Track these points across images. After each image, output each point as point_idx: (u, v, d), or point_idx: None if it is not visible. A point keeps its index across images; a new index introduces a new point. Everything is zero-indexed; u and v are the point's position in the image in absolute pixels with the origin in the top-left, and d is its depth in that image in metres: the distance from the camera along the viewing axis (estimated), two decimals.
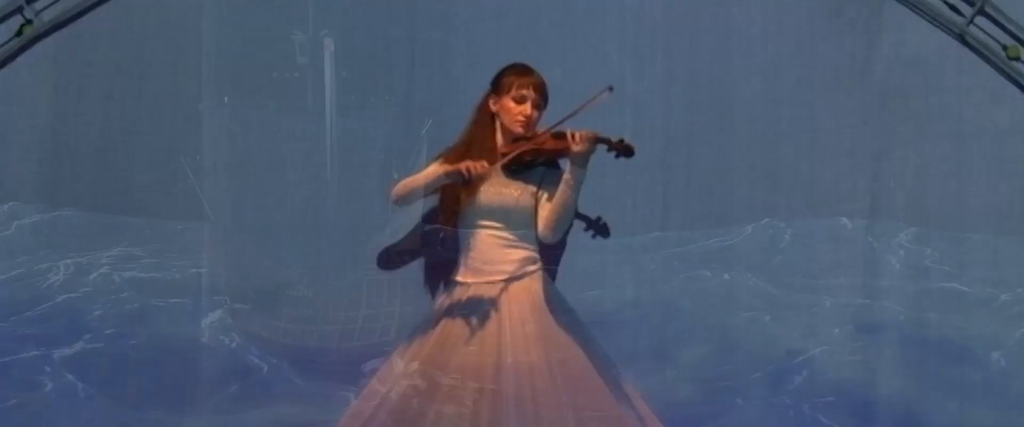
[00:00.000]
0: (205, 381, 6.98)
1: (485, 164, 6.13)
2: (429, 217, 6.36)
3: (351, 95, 6.92)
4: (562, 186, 6.10)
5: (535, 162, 6.20)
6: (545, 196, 6.17)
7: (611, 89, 6.20)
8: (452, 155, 6.26)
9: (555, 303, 6.24)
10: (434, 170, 6.20)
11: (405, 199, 6.28)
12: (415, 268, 6.42)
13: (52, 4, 7.06)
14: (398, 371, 6.27)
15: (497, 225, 6.20)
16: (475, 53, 7.08)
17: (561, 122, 6.15)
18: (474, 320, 6.18)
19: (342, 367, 6.80)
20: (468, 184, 6.14)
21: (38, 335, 7.09)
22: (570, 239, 6.25)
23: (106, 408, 7.00)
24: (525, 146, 6.17)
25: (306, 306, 6.86)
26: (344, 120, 6.92)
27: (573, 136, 6.05)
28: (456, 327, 6.21)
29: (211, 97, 6.94)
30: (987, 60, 7.15)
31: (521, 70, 6.28)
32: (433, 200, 6.36)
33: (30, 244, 7.19)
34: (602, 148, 6.08)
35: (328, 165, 6.87)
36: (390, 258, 6.48)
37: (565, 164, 6.18)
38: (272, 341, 6.93)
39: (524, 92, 6.25)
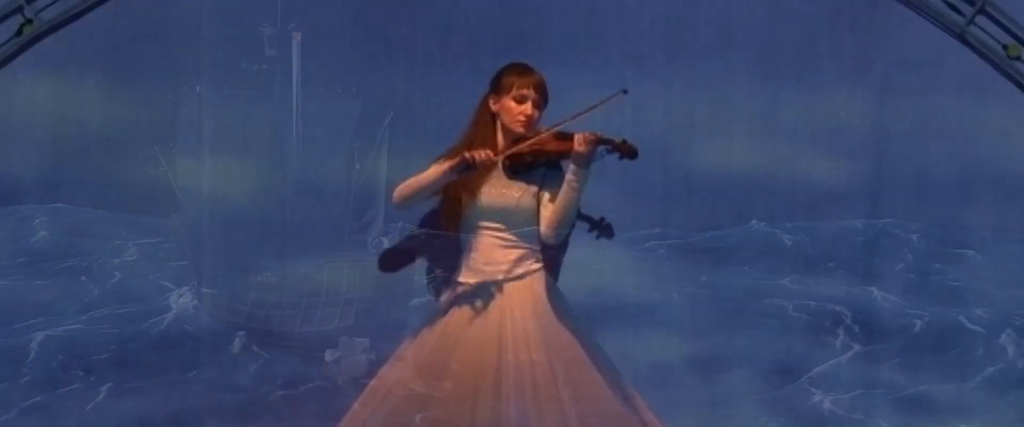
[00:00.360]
0: (176, 364, 7.08)
1: (489, 152, 6.13)
2: (430, 218, 6.36)
3: (317, 86, 7.00)
4: (565, 187, 6.10)
5: (537, 163, 6.21)
6: (547, 197, 6.18)
7: (626, 91, 6.21)
8: (452, 156, 6.26)
9: (556, 303, 6.25)
10: (436, 169, 6.20)
11: (408, 201, 6.28)
12: (374, 256, 6.54)
13: (52, 4, 7.06)
14: (399, 371, 6.28)
15: (498, 226, 6.20)
16: (470, 51, 7.10)
17: (570, 119, 6.14)
18: (475, 320, 6.19)
19: (306, 352, 6.93)
20: (473, 170, 6.13)
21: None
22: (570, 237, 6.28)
23: (77, 393, 7.08)
24: (525, 143, 6.17)
25: (270, 291, 6.95)
26: (310, 111, 7.00)
27: (576, 137, 6.06)
28: (457, 327, 6.22)
29: (184, 87, 7.04)
30: (987, 59, 7.15)
31: (521, 69, 6.29)
32: (433, 201, 6.37)
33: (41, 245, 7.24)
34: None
35: (292, 154, 6.95)
36: (392, 259, 6.50)
37: (566, 164, 6.18)
38: (236, 324, 7.01)
39: (524, 92, 6.25)
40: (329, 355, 6.75)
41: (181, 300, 7.09)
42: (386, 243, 6.69)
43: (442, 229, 6.29)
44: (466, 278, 6.24)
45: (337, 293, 6.81)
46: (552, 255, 6.26)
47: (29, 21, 7.04)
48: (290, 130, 6.98)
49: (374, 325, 6.74)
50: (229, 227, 7.03)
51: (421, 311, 6.50)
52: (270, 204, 6.98)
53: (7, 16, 7.04)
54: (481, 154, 6.11)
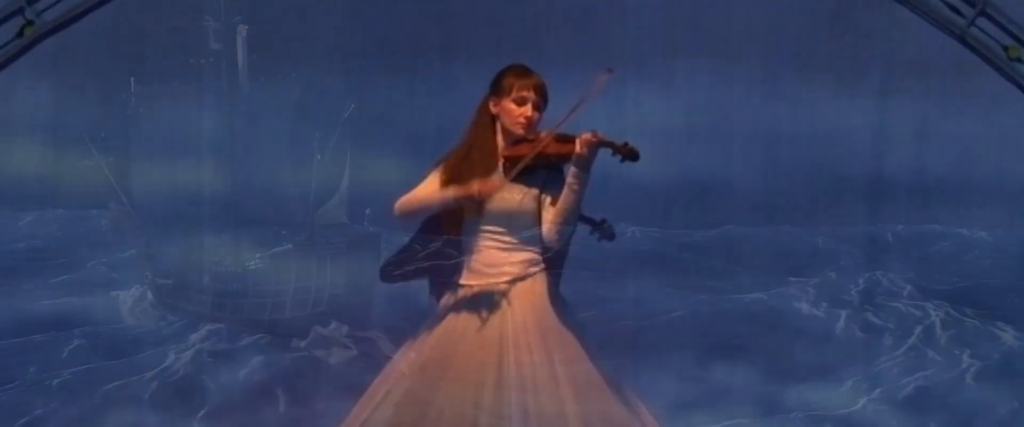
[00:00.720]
0: (132, 357, 7.14)
1: (495, 183, 6.13)
2: (431, 223, 6.35)
3: (262, 77, 7.06)
4: (566, 190, 6.09)
5: (538, 166, 6.20)
6: (549, 200, 6.17)
7: (611, 71, 6.18)
8: (453, 158, 6.25)
9: (557, 305, 6.24)
10: (441, 194, 6.18)
11: (409, 217, 6.27)
12: (342, 241, 6.59)
13: (53, 5, 7.07)
14: (401, 372, 6.28)
15: (500, 229, 6.19)
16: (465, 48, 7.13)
17: (567, 116, 6.13)
18: (476, 321, 6.18)
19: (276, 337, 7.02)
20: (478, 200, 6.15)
21: None
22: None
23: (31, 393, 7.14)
24: (528, 150, 6.16)
25: (235, 281, 7.00)
26: (258, 102, 7.06)
27: (577, 140, 6.05)
28: (458, 328, 6.21)
29: (135, 85, 7.11)
30: (988, 61, 7.14)
31: (521, 71, 6.27)
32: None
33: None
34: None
35: (242, 146, 7.01)
36: (393, 269, 6.48)
37: (567, 166, 6.17)
38: (201, 314, 7.05)
39: (524, 94, 6.24)
40: (305, 342, 6.82)
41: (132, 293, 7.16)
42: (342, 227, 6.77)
43: (443, 232, 6.28)
44: (468, 280, 6.23)
45: (307, 281, 6.87)
46: (554, 257, 6.25)
47: (30, 23, 7.04)
48: (240, 122, 7.04)
49: (347, 310, 6.81)
50: (181, 219, 7.09)
51: (418, 312, 6.52)
52: (223, 195, 7.04)
53: (8, 17, 7.05)
54: (488, 188, 6.11)
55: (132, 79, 7.10)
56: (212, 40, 6.99)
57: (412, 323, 6.59)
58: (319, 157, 6.81)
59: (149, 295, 7.07)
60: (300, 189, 6.87)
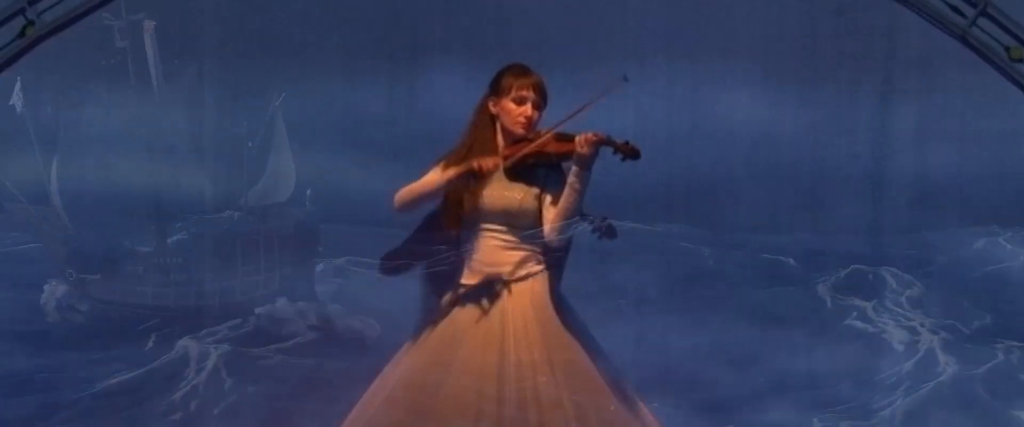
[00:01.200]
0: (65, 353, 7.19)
1: (496, 160, 6.13)
2: (432, 221, 6.35)
3: (170, 68, 7.12)
4: (567, 188, 6.09)
5: (539, 164, 6.20)
6: (549, 198, 6.17)
7: (626, 78, 6.20)
8: (453, 158, 6.25)
9: (558, 303, 6.24)
10: (441, 176, 6.18)
11: (409, 206, 6.27)
12: (287, 223, 6.64)
13: (54, 5, 7.08)
14: (401, 372, 6.28)
15: (500, 228, 6.19)
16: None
17: (572, 115, 6.13)
18: (477, 320, 6.18)
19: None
20: (478, 180, 6.13)
21: None
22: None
23: None
24: (528, 147, 6.16)
25: (178, 271, 7.03)
26: (170, 94, 7.12)
27: (577, 139, 6.05)
28: (459, 328, 6.21)
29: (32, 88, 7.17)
30: (989, 61, 7.14)
31: (520, 71, 6.28)
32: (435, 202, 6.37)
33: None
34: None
35: (158, 140, 7.08)
36: (392, 263, 6.49)
37: (568, 165, 6.17)
38: (142, 305, 7.09)
39: (524, 93, 6.24)
40: (260, 309, 6.87)
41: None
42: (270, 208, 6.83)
43: (443, 230, 6.28)
44: (468, 279, 6.23)
45: (255, 262, 6.91)
46: (555, 256, 6.25)
47: (31, 23, 7.05)
48: (154, 117, 7.09)
49: (297, 288, 6.86)
50: (106, 214, 7.13)
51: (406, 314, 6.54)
52: (147, 187, 7.09)
53: (9, 17, 7.06)
54: (487, 163, 6.11)
55: (53, 79, 7.17)
56: (118, 38, 7.05)
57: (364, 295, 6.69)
58: (251, 145, 6.88)
59: (66, 291, 7.12)
60: (233, 175, 6.97)
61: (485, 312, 6.18)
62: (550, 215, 6.14)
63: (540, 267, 6.22)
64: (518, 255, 6.19)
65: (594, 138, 6.04)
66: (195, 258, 7.02)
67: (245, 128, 7.02)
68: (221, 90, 7.14)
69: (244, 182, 6.91)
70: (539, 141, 6.15)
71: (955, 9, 7.15)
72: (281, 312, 7.03)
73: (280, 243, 6.88)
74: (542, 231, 6.17)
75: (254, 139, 6.89)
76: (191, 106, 7.13)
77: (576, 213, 6.13)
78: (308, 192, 6.78)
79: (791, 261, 7.31)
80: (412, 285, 6.29)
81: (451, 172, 6.14)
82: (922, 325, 7.29)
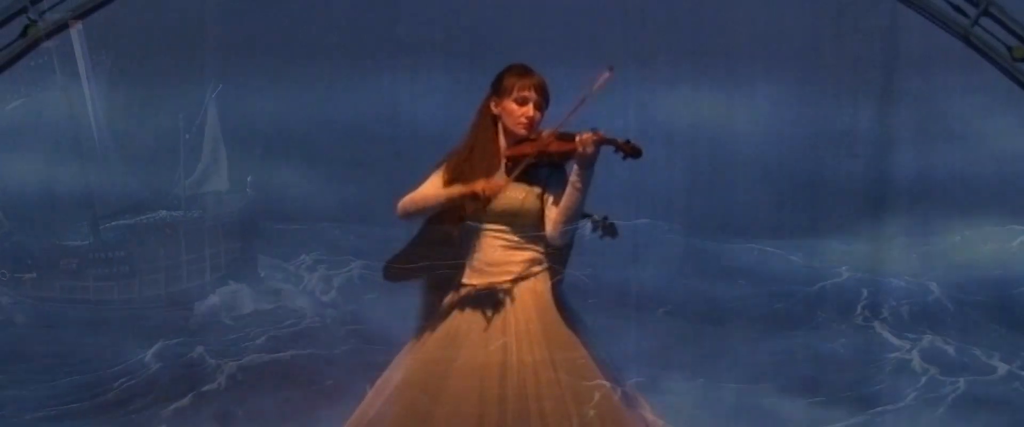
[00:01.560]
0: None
1: (499, 182, 6.13)
2: (433, 219, 6.36)
3: (106, 69, 7.15)
4: (569, 188, 6.10)
5: (540, 164, 6.20)
6: (551, 198, 6.18)
7: (611, 69, 6.20)
8: (455, 159, 6.26)
9: (560, 303, 6.25)
10: (444, 192, 6.19)
11: (412, 216, 6.28)
12: (229, 211, 6.66)
13: (56, 5, 7.08)
14: (403, 372, 6.28)
15: (503, 228, 6.20)
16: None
17: (569, 114, 6.14)
18: (479, 320, 6.19)
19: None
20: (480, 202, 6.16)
21: None
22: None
23: None
24: (530, 149, 6.17)
25: (121, 264, 7.05)
26: (100, 94, 7.14)
27: (578, 138, 6.05)
28: (461, 328, 6.22)
29: None
30: (992, 61, 7.14)
31: (521, 71, 6.28)
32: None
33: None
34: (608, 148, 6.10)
35: (87, 138, 7.10)
36: (397, 266, 6.50)
37: (569, 164, 6.18)
38: (86, 300, 7.10)
39: (526, 94, 6.25)
40: (201, 305, 6.89)
41: None
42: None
43: (445, 230, 6.29)
44: (470, 279, 6.24)
45: (199, 249, 6.93)
46: (557, 256, 6.26)
47: (33, 22, 7.05)
48: (83, 115, 7.11)
49: (246, 272, 6.88)
50: (37, 211, 7.14)
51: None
52: (79, 181, 7.12)
53: (11, 17, 7.06)
54: (491, 188, 6.12)
55: None
56: (43, 39, 7.10)
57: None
58: (187, 136, 6.92)
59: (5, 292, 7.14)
60: (170, 167, 7.00)
61: (487, 312, 6.19)
62: (552, 215, 6.15)
63: (542, 266, 6.23)
64: (521, 255, 6.20)
65: (595, 137, 6.05)
66: (137, 250, 7.04)
67: (181, 120, 7.05)
68: (158, 85, 7.17)
69: (181, 173, 6.96)
70: (540, 142, 6.16)
71: (957, 9, 7.14)
72: (233, 302, 7.04)
73: (226, 226, 6.92)
74: (544, 231, 6.18)
75: (191, 130, 6.95)
76: (123, 103, 7.16)
77: (578, 212, 6.15)
78: (248, 178, 6.82)
79: (791, 261, 7.30)
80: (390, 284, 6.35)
81: (455, 191, 6.15)
82: (924, 327, 7.29)
